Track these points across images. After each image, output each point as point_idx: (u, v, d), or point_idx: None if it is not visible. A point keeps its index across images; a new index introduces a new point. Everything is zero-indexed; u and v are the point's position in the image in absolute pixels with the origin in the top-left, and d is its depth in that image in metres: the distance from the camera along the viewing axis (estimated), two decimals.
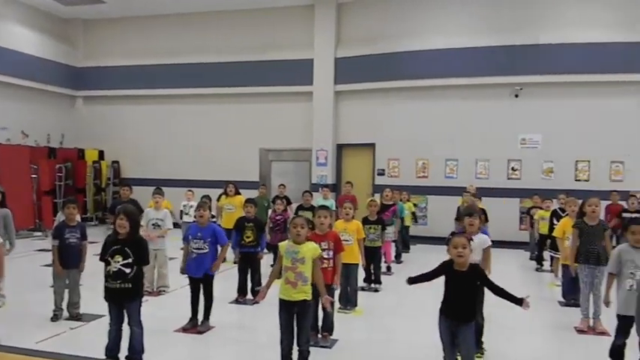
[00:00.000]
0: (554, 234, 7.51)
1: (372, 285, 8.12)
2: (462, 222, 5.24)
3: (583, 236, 6.16)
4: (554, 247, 8.35)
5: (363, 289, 7.73)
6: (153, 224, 7.60)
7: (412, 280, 4.32)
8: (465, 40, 13.08)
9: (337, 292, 6.25)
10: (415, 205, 12.77)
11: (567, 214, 7.25)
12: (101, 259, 4.80)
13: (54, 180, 14.34)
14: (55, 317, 6.23)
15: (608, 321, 5.62)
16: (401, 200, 11.27)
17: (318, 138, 14.47)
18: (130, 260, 4.68)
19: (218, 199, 10.69)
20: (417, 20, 13.64)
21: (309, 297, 4.61)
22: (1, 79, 13.90)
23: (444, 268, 4.19)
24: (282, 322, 4.61)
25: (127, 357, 4.82)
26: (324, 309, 5.19)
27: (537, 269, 10.13)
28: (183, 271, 6.05)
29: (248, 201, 7.66)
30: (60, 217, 6.89)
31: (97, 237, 8.31)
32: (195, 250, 5.93)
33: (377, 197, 10.03)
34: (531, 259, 10.89)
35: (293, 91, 14.68)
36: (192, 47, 15.50)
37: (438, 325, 4.21)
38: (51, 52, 15.65)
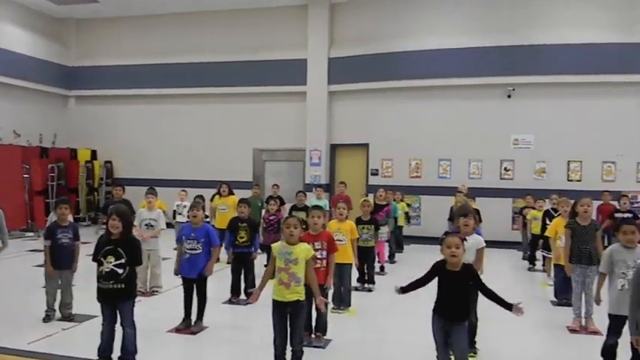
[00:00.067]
0: (546, 234, 7.54)
1: (366, 285, 8.13)
2: (457, 222, 5.25)
3: (575, 236, 6.19)
4: (547, 247, 8.41)
5: (356, 289, 7.74)
6: (146, 224, 7.58)
7: (404, 290, 4.29)
8: (458, 40, 13.12)
9: (331, 292, 6.25)
10: (408, 205, 12.79)
11: (560, 214, 7.28)
12: (94, 260, 4.78)
13: (46, 180, 14.28)
14: (48, 318, 6.20)
15: (600, 320, 5.66)
16: (394, 200, 11.30)
17: (312, 138, 14.47)
18: (122, 261, 4.67)
19: (211, 200, 10.66)
20: (410, 20, 13.66)
21: (302, 297, 4.61)
22: None
23: (437, 269, 4.19)
24: (275, 322, 4.61)
25: (119, 358, 4.81)
26: (317, 309, 5.19)
27: (530, 269, 10.18)
28: (177, 272, 6.03)
29: (241, 201, 7.65)
30: (52, 217, 6.85)
31: (89, 237, 8.28)
32: (188, 251, 5.91)
33: (370, 197, 10.04)
34: (524, 258, 10.94)
35: (286, 91, 14.67)
36: (185, 47, 15.46)
37: (432, 324, 4.22)
38: (43, 51, 15.57)
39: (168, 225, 8.40)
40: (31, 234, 13.24)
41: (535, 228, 9.71)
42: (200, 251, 5.91)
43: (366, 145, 14.24)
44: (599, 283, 5.13)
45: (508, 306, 4.07)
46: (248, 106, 15.13)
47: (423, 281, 4.24)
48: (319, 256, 5.34)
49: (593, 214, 6.63)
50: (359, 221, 7.73)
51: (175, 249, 6.29)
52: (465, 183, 12.47)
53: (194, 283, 5.96)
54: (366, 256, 7.81)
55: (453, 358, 4.20)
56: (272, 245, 4.80)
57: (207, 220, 8.85)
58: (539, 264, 10.06)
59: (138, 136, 16.02)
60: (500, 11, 13.01)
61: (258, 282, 5.23)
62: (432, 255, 4.78)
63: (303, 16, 14.57)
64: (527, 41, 12.72)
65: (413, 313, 6.63)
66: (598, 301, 5.35)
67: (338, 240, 6.14)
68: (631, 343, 4.20)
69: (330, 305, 6.34)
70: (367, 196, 11.18)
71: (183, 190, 10.98)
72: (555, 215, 8.13)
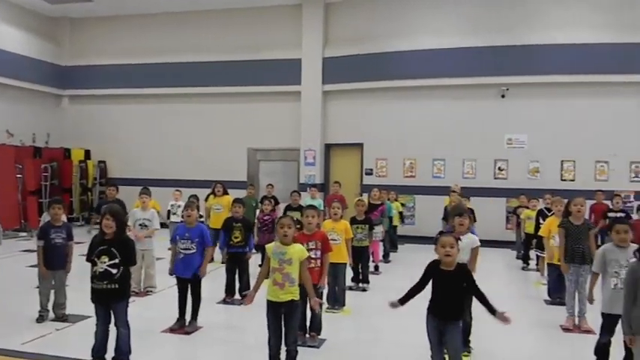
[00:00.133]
0: (540, 233, 7.56)
1: (360, 285, 8.13)
2: (451, 221, 5.26)
3: (568, 235, 6.22)
4: (540, 247, 8.43)
5: (351, 288, 7.75)
6: (140, 224, 7.57)
7: (401, 302, 4.26)
8: (452, 40, 13.15)
9: (325, 292, 6.26)
10: (403, 204, 12.80)
11: (553, 214, 7.31)
12: (87, 260, 4.77)
13: (39, 180, 14.20)
14: (41, 318, 6.18)
15: (593, 319, 5.69)
16: (389, 200, 11.30)
17: (306, 138, 14.47)
18: (116, 261, 4.65)
19: (206, 199, 10.63)
20: (405, 20, 13.68)
21: (296, 297, 4.61)
22: None
23: (431, 270, 4.19)
24: (269, 322, 4.60)
25: (113, 358, 4.80)
26: (312, 309, 5.19)
27: (523, 268, 10.22)
28: (171, 272, 6.02)
29: (236, 201, 7.64)
30: (45, 217, 6.83)
31: (83, 237, 8.24)
32: (182, 251, 5.90)
33: (365, 197, 10.05)
34: (517, 258, 10.98)
35: (281, 90, 14.66)
36: (179, 46, 15.41)
37: (426, 324, 4.22)
38: (37, 50, 15.49)
39: (163, 225, 8.37)
40: (25, 234, 13.14)
41: (529, 227, 9.75)
42: (194, 251, 5.90)
43: (360, 145, 14.25)
44: (592, 283, 5.17)
45: (493, 311, 4.06)
46: (242, 105, 15.10)
47: (419, 287, 4.21)
48: (313, 256, 5.35)
49: (586, 214, 6.66)
50: (353, 221, 7.73)
51: (170, 249, 6.28)
52: (459, 182, 12.48)
53: (188, 283, 5.95)
54: (360, 255, 7.81)
55: (447, 357, 4.21)
56: (266, 246, 4.80)
57: (202, 220, 8.84)
58: (532, 263, 10.11)
59: (132, 135, 15.96)
60: (494, 12, 13.04)
61: (252, 282, 5.23)
62: (426, 254, 4.79)
63: (297, 15, 14.56)
64: (520, 41, 12.76)
65: (407, 312, 6.63)
66: (591, 300, 5.42)
67: (332, 239, 6.14)
68: (624, 341, 4.22)
69: (325, 305, 6.34)
70: (361, 195, 11.21)
71: (177, 190, 10.95)
72: (549, 215, 8.16)
